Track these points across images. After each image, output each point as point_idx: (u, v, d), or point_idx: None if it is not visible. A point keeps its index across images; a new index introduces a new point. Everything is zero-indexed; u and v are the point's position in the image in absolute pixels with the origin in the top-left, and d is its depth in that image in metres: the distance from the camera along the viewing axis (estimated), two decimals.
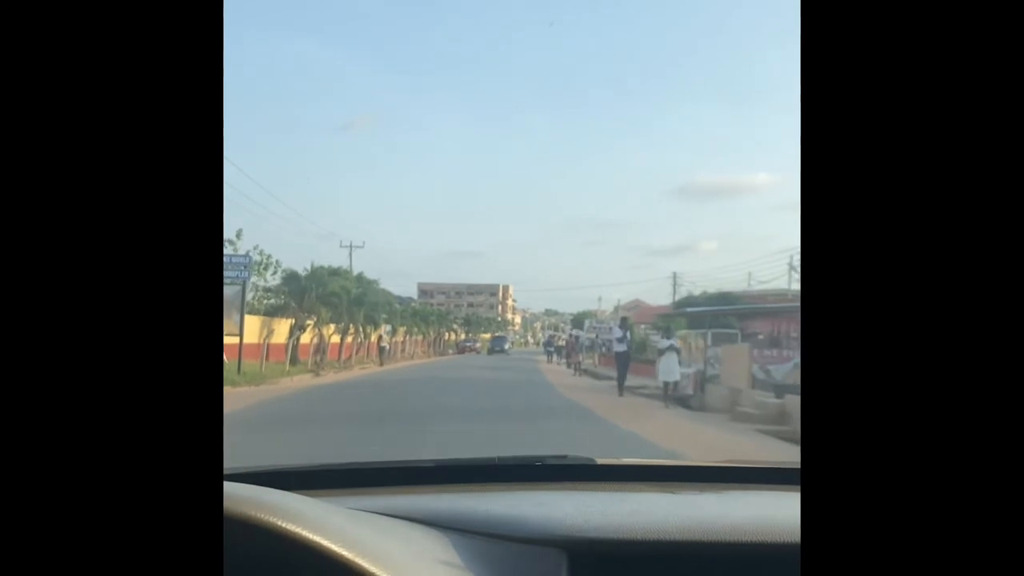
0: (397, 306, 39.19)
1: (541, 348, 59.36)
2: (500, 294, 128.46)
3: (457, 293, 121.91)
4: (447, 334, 59.08)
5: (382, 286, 38.53)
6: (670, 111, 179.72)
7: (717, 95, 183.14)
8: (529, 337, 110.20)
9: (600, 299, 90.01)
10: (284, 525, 0.68)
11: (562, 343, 42.25)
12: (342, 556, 0.68)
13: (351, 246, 44.73)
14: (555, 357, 41.13)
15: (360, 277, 34.01)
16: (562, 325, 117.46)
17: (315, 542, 0.68)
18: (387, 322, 36.55)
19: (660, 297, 57.56)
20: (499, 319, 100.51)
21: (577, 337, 37.45)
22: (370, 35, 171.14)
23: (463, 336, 66.72)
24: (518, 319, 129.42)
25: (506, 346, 59.34)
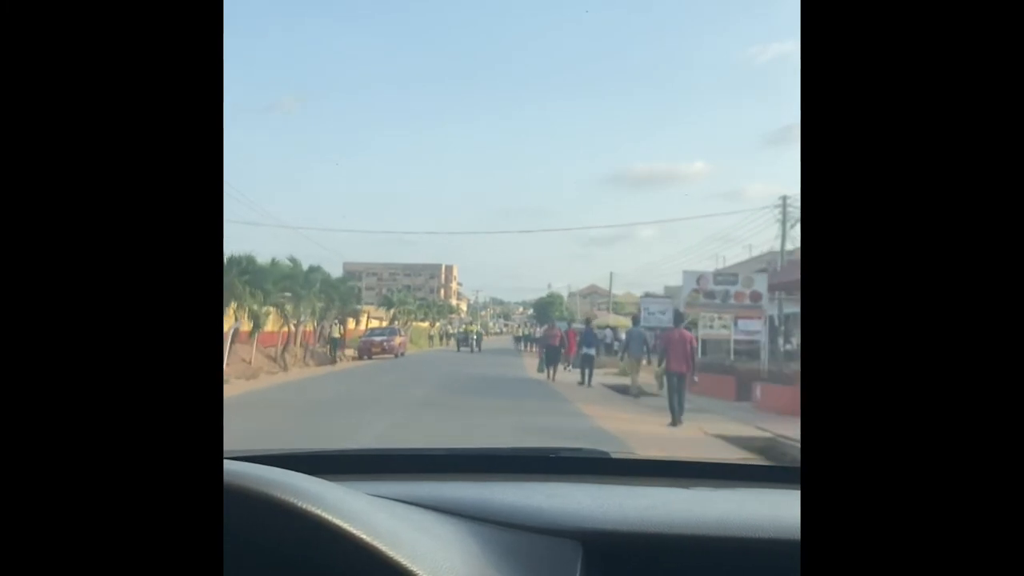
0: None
1: (513, 344, 34.76)
2: (442, 276, 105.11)
3: (391, 274, 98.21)
4: (351, 323, 33.66)
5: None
6: (600, 98, 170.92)
7: (650, 84, 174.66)
8: (479, 326, 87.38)
9: (549, 285, 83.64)
10: (307, 508, 0.68)
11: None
12: (362, 540, 0.68)
13: None
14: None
15: None
16: (516, 315, 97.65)
17: (338, 526, 0.68)
18: None
19: (618, 284, 45.23)
20: (440, 304, 76.28)
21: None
22: (300, 8, 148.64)
23: (380, 324, 40.09)
24: (464, 305, 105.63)
25: (394, 340, 30.89)
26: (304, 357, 22.48)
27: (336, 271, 35.35)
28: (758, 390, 13.38)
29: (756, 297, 17.67)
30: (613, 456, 1.43)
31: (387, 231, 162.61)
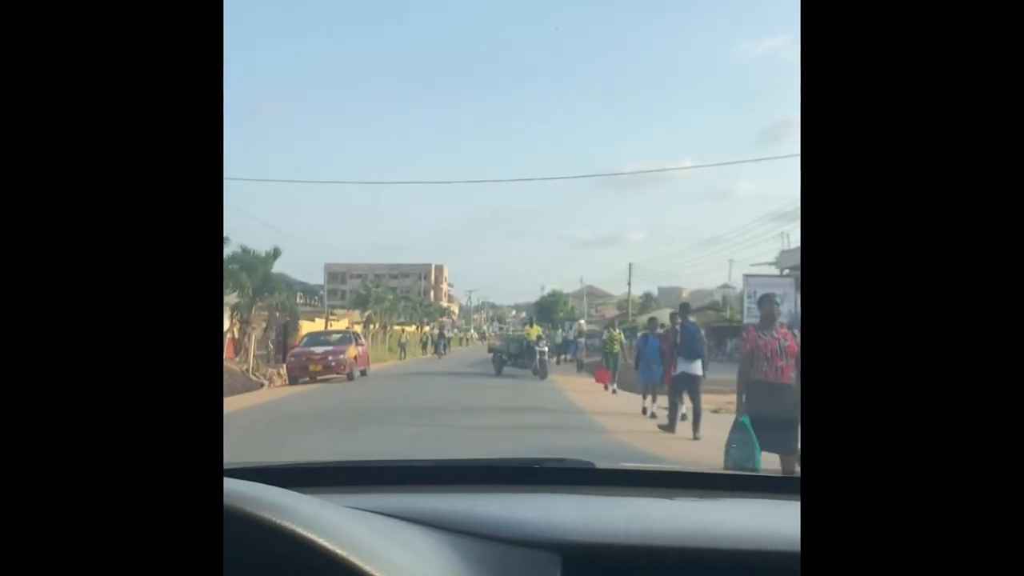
0: None
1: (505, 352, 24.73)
2: (432, 276, 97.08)
3: (377, 276, 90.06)
4: (295, 326, 25.12)
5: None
6: (588, 100, 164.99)
7: (638, 84, 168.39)
8: (472, 331, 79.45)
9: (543, 287, 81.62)
10: (281, 522, 0.67)
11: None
12: (337, 555, 0.67)
13: None
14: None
15: None
16: (509, 318, 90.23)
17: (311, 540, 0.67)
18: None
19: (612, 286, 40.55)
20: (429, 305, 68.12)
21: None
22: (281, 9, 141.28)
23: (330, 326, 30.35)
24: (455, 308, 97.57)
25: (344, 352, 18.53)
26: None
27: (314, 269, 26.40)
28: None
29: None
30: (598, 466, 1.42)
31: (373, 237, 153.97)
